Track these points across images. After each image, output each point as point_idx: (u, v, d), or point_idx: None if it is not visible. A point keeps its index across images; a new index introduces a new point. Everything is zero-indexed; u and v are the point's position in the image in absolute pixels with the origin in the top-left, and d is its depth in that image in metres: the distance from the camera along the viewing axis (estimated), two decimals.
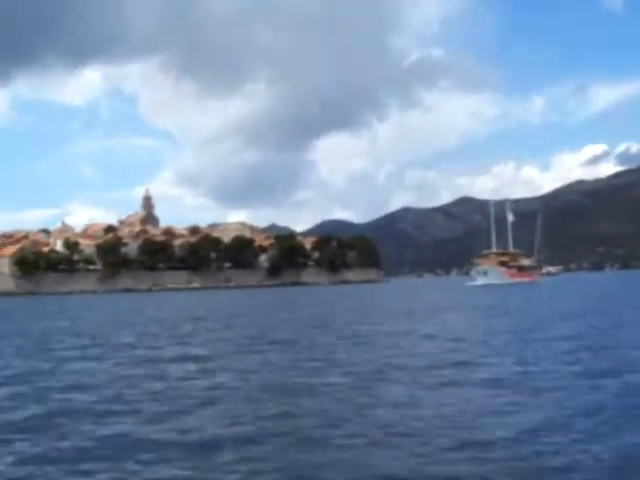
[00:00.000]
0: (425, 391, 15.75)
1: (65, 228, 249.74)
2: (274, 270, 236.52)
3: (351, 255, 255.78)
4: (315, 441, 11.42)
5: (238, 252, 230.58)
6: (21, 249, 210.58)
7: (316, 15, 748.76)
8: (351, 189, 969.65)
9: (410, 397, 15.04)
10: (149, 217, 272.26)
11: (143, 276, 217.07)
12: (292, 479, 9.48)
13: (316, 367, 20.37)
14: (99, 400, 15.76)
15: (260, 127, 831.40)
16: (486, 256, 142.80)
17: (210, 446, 11.23)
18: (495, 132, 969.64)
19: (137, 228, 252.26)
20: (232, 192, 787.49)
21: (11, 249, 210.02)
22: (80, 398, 16.10)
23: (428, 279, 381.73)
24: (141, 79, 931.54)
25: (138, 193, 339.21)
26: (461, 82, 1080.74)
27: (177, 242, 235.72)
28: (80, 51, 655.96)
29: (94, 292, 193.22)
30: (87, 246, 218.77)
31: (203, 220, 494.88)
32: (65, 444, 11.72)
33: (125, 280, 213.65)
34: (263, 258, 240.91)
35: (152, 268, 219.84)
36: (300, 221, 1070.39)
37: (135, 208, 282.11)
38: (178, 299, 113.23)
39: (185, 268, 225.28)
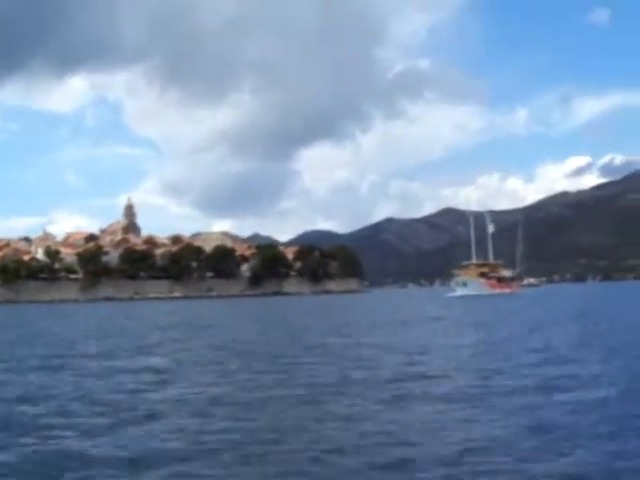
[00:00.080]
0: (377, 405, 15.52)
1: (46, 236, 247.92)
2: (256, 280, 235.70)
3: (333, 265, 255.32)
4: (253, 457, 11.15)
5: (220, 262, 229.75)
6: (2, 257, 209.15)
7: (301, 26, 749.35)
8: (334, 199, 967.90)
9: (360, 411, 14.83)
10: (131, 226, 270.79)
11: (124, 285, 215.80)
12: None
13: (275, 379, 20.13)
14: (45, 413, 15.46)
15: (245, 137, 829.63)
16: (466, 267, 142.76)
17: (143, 462, 10.94)
18: (480, 143, 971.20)
19: (118, 237, 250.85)
20: (216, 201, 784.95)
21: None
22: (26, 410, 15.78)
23: (411, 290, 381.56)
24: (126, 87, 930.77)
25: (122, 202, 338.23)
26: (446, 93, 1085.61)
27: (159, 251, 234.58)
28: (67, 59, 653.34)
29: (75, 301, 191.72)
30: (68, 255, 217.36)
31: (187, 229, 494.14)
32: None
33: (106, 289, 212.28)
34: (245, 268, 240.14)
35: (133, 277, 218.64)
36: (283, 231, 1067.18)
37: (119, 217, 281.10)
38: (157, 308, 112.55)
39: (167, 277, 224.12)
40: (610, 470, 10.01)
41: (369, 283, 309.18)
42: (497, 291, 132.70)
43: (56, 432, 13.35)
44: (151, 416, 14.70)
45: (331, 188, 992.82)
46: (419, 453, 11.09)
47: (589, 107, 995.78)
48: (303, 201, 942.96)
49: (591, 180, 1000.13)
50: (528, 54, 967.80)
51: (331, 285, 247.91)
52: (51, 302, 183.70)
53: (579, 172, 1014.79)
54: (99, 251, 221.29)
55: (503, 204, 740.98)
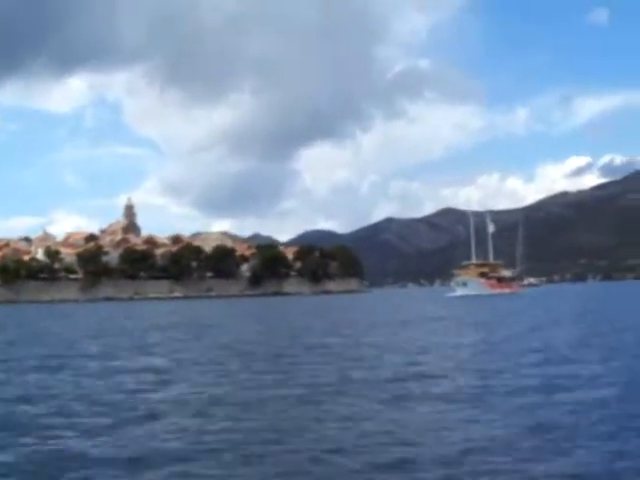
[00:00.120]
0: (378, 405, 15.52)
1: (46, 236, 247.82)
2: (256, 280, 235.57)
3: (333, 265, 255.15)
4: (253, 457, 11.14)
5: (220, 261, 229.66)
6: (2, 257, 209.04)
7: (301, 25, 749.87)
8: (335, 199, 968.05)
9: (360, 411, 14.82)
10: (131, 226, 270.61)
11: (124, 285, 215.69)
12: None
13: (275, 379, 20.12)
14: (45, 413, 15.45)
15: (245, 136, 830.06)
16: (466, 267, 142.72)
17: (143, 462, 10.94)
18: (479, 143, 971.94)
19: (118, 237, 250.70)
20: (216, 201, 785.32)
21: None
22: (26, 410, 15.78)
23: (411, 290, 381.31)
24: (126, 87, 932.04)
25: (122, 202, 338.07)
26: (446, 93, 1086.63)
27: (159, 251, 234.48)
28: (66, 59, 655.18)
29: (75, 301, 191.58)
30: (68, 255, 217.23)
31: (187, 229, 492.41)
32: None
33: (106, 289, 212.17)
34: (245, 268, 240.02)
35: (133, 277, 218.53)
36: (284, 231, 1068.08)
37: (119, 217, 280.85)
38: (157, 308, 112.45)
39: (167, 277, 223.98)
40: (610, 470, 10.00)
41: (369, 283, 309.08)
42: (497, 291, 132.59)
43: (56, 432, 13.34)
44: (151, 416, 14.70)
45: (331, 188, 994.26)
46: (419, 453, 11.08)
47: (589, 107, 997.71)
48: (303, 201, 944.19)
49: (591, 180, 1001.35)
50: (528, 54, 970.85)
51: (331, 285, 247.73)
52: (51, 302, 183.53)
53: (579, 172, 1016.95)
54: (99, 251, 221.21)
55: (503, 204, 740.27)
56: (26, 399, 17.42)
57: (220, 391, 18.03)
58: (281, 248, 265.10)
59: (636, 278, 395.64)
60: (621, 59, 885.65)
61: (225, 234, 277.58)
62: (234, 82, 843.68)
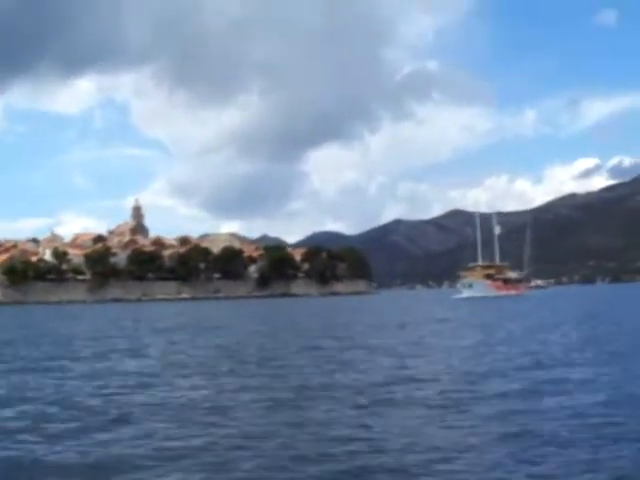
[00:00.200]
0: (356, 410, 15.16)
1: (54, 237, 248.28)
2: (263, 281, 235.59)
3: (341, 267, 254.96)
4: (213, 464, 10.82)
5: (227, 263, 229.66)
6: (10, 258, 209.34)
7: (309, 27, 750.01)
8: (343, 201, 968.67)
9: (337, 416, 14.48)
10: (139, 227, 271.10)
11: (132, 286, 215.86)
12: None
13: (261, 382, 19.82)
14: (15, 416, 15.20)
15: (253, 138, 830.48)
16: (472, 269, 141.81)
17: (102, 469, 10.68)
18: (488, 145, 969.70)
19: (126, 238, 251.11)
20: (225, 203, 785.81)
21: None
22: None
23: (419, 291, 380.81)
24: (134, 89, 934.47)
25: (130, 203, 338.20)
26: (454, 95, 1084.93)
27: (166, 252, 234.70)
28: (74, 61, 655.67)
29: (83, 302, 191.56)
30: (76, 256, 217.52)
31: (196, 231, 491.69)
32: None
33: (114, 290, 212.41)
34: (253, 269, 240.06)
35: (141, 278, 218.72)
36: (292, 232, 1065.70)
37: (127, 218, 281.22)
38: (165, 310, 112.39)
39: (174, 278, 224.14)
40: None
41: (377, 284, 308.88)
42: (503, 293, 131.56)
43: (21, 437, 13.07)
44: (122, 420, 14.41)
45: (339, 189, 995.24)
46: (383, 461, 10.73)
47: (597, 109, 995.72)
48: (311, 202, 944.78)
49: (600, 182, 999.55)
50: (536, 56, 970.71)
51: (339, 287, 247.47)
52: (59, 303, 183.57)
53: (587, 174, 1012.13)
54: (107, 252, 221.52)
55: (511, 206, 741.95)
56: (0, 401, 17.18)
57: (200, 395, 17.72)
58: (289, 249, 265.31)
59: None
60: (629, 60, 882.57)
61: (233, 235, 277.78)
62: (242, 84, 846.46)
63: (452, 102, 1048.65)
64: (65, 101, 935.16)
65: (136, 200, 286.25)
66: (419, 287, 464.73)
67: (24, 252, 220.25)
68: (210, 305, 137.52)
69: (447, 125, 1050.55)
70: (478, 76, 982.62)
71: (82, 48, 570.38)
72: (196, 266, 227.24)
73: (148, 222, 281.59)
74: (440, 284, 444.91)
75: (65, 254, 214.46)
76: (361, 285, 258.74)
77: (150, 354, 30.45)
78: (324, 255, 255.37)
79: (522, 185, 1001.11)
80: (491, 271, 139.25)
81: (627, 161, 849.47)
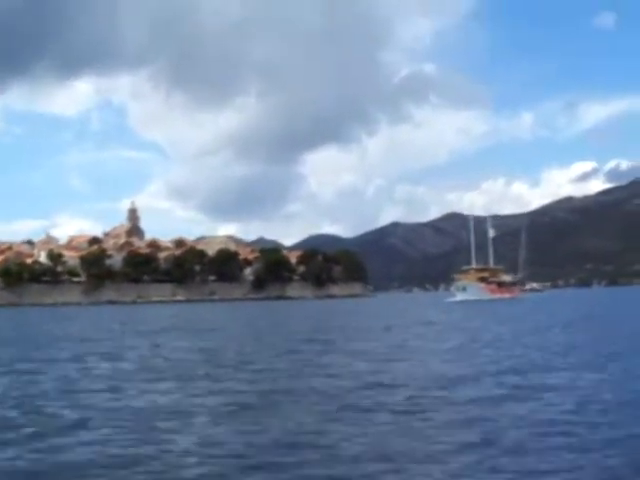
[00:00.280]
0: (317, 416, 14.83)
1: (49, 239, 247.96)
2: (259, 284, 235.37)
3: (337, 270, 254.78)
4: (157, 473, 10.50)
5: (223, 265, 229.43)
6: (5, 260, 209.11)
7: (307, 30, 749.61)
8: (340, 203, 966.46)
9: (299, 423, 14.11)
10: (134, 229, 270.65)
11: (127, 288, 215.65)
12: None
13: (229, 387, 19.46)
14: None
15: (250, 140, 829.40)
16: (466, 272, 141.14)
17: (41, 476, 10.38)
18: (485, 148, 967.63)
19: (122, 240, 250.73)
20: (222, 205, 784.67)
21: None
22: None
23: (416, 294, 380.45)
24: (131, 91, 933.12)
25: (127, 205, 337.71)
26: (451, 98, 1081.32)
27: (162, 255, 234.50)
28: (71, 62, 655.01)
29: (78, 304, 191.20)
30: (71, 258, 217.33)
31: (193, 233, 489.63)
32: None
33: (109, 292, 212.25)
34: (248, 271, 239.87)
35: (136, 280, 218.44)
36: (289, 235, 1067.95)
37: (123, 220, 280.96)
38: (159, 312, 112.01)
39: (170, 281, 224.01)
40: None
41: (374, 287, 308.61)
42: (497, 296, 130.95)
43: None
44: (79, 426, 14.08)
45: (337, 192, 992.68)
46: (334, 471, 10.40)
47: (595, 112, 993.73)
48: (308, 205, 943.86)
49: (597, 185, 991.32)
50: (533, 59, 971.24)
51: (334, 289, 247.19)
52: (54, 305, 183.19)
53: (585, 177, 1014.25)
54: (102, 254, 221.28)
55: (508, 209, 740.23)
56: None
57: (165, 400, 17.34)
58: (285, 252, 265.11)
59: None
60: (627, 63, 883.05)
61: (230, 238, 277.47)
62: (240, 86, 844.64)
63: (449, 105, 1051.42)
64: (62, 103, 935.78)
65: (132, 202, 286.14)
66: (416, 290, 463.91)
67: (19, 254, 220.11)
68: (205, 308, 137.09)
69: (444, 128, 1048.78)
70: (475, 79, 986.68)
71: (79, 50, 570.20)
72: (191, 268, 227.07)
73: (145, 225, 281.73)
74: (437, 287, 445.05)
75: (60, 256, 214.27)
76: (357, 288, 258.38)
77: (128, 357, 30.10)
78: (320, 258, 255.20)
79: (519, 188, 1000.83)
80: (485, 274, 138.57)
81: (624, 164, 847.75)
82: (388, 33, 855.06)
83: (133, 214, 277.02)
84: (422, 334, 41.99)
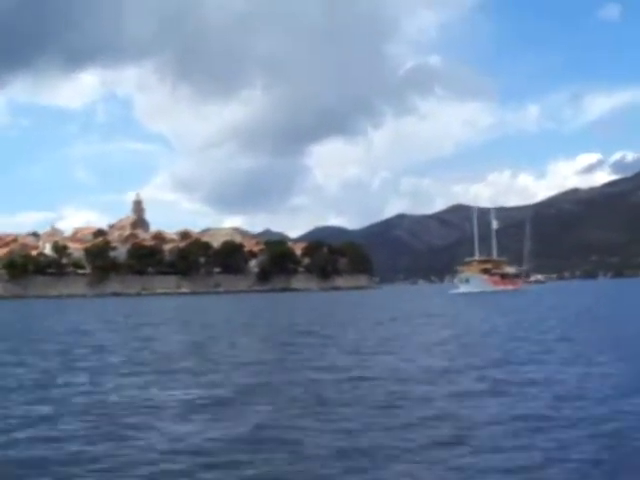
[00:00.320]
0: (293, 410, 14.56)
1: (54, 232, 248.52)
2: (264, 275, 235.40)
3: (342, 261, 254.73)
4: (109, 471, 10.28)
5: (228, 257, 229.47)
6: (10, 252, 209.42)
7: (312, 22, 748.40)
8: (346, 196, 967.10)
9: (270, 418, 13.88)
10: (139, 221, 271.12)
11: (132, 280, 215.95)
12: None
13: (210, 381, 19.20)
14: None
15: (256, 132, 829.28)
16: (469, 263, 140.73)
17: None
18: (490, 140, 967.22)
19: (127, 232, 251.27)
20: (227, 197, 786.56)
21: None
22: None
23: (421, 286, 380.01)
24: (137, 83, 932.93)
25: (132, 197, 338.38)
26: (457, 90, 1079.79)
27: (167, 247, 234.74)
28: (76, 55, 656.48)
29: (83, 296, 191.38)
30: (76, 250, 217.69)
31: (198, 225, 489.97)
32: None
33: (114, 284, 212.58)
34: (253, 263, 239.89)
35: (141, 272, 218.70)
36: (294, 227, 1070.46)
37: (128, 212, 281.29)
38: (164, 304, 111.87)
39: (174, 273, 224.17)
40: None
41: (380, 279, 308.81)
42: (500, 287, 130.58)
43: None
44: (47, 420, 13.91)
45: (342, 184, 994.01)
46: (290, 468, 10.20)
47: (600, 104, 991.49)
48: (314, 197, 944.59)
49: (602, 177, 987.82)
50: (539, 51, 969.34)
51: (340, 281, 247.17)
52: (59, 297, 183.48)
53: (590, 169, 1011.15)
54: (107, 246, 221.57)
55: (514, 200, 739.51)
56: None
57: (138, 394, 17.09)
58: (290, 244, 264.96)
59: None
60: (632, 55, 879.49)
61: (235, 230, 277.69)
62: (245, 78, 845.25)
63: (455, 97, 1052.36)
64: (68, 95, 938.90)
65: (137, 194, 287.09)
66: (421, 282, 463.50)
67: (24, 246, 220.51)
68: (210, 300, 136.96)
69: (450, 120, 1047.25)
70: (481, 71, 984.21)
71: (85, 42, 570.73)
72: (196, 260, 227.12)
73: (151, 217, 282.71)
74: (442, 279, 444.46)
75: (65, 248, 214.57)
76: (362, 280, 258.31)
77: (118, 350, 29.88)
78: (325, 250, 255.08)
79: (525, 180, 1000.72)
80: (488, 266, 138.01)
81: (630, 156, 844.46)
82: (393, 26, 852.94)
83: (138, 206, 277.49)
84: (418, 326, 41.78)
